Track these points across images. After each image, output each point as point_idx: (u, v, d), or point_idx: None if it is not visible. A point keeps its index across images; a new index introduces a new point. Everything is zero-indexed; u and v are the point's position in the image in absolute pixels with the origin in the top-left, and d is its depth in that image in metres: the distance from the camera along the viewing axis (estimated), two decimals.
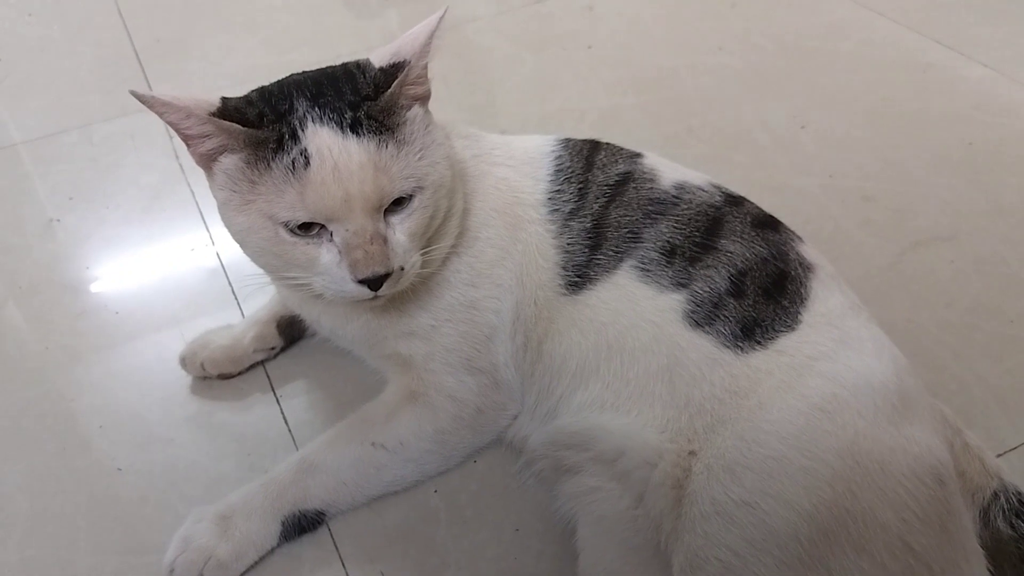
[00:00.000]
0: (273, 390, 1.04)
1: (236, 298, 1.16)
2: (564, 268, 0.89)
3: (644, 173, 0.93)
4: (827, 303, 0.83)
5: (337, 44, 1.72)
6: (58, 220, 1.32)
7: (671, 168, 0.95)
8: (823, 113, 1.44)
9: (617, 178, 0.93)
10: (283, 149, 0.75)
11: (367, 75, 0.80)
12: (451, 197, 0.85)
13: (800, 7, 1.74)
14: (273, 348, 1.07)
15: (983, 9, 1.67)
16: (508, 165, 0.96)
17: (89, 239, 1.29)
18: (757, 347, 0.80)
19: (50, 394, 1.06)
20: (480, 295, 0.90)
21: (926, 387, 0.83)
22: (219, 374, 1.04)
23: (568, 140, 0.99)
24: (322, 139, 0.75)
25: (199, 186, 1.33)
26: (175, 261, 1.24)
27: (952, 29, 1.60)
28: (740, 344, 0.80)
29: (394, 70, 0.79)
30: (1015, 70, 1.49)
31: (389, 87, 0.78)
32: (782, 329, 0.81)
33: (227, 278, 1.19)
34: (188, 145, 0.79)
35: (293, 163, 0.75)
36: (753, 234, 0.87)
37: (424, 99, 0.84)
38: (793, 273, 0.85)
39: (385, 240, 0.78)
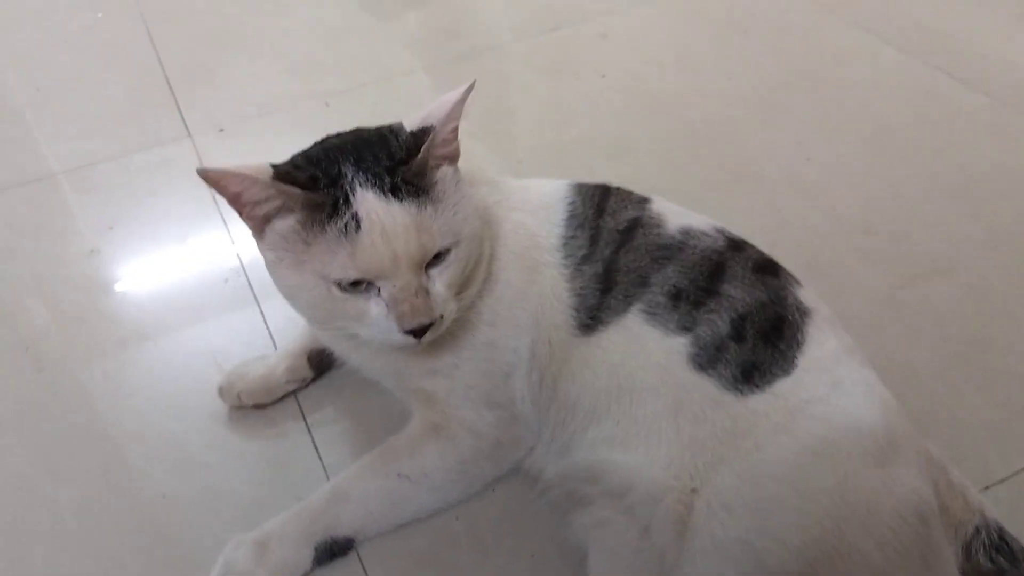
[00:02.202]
0: (304, 419, 1.11)
1: (268, 328, 1.23)
2: (577, 310, 0.95)
3: (652, 219, 0.99)
4: (822, 347, 0.89)
5: (362, 69, 1.79)
6: (98, 250, 1.39)
7: (677, 213, 1.01)
8: (828, 144, 1.49)
9: (626, 224, 0.99)
10: (337, 213, 0.82)
11: (399, 139, 0.87)
12: (481, 245, 0.92)
13: (808, 34, 1.79)
14: (304, 379, 1.14)
15: (985, 38, 1.72)
16: (526, 210, 1.02)
17: (128, 269, 1.36)
18: (755, 390, 0.86)
19: (95, 421, 1.13)
20: (499, 334, 0.97)
21: (918, 419, 0.90)
22: (254, 404, 1.11)
23: (581, 185, 1.05)
24: (369, 203, 0.82)
25: (232, 219, 1.41)
26: (210, 292, 1.30)
27: (955, 57, 1.65)
28: (740, 387, 0.86)
29: (422, 135, 0.86)
30: (1016, 100, 1.54)
31: (419, 151, 0.84)
32: (779, 373, 0.87)
33: (259, 309, 1.26)
34: (242, 212, 0.86)
35: (346, 226, 0.82)
36: (754, 279, 0.93)
37: (453, 158, 0.90)
38: (791, 318, 0.91)
39: (427, 292, 0.85)
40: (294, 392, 1.14)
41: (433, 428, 0.98)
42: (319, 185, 0.83)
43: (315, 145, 0.92)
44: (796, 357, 0.88)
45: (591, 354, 0.94)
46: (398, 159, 0.85)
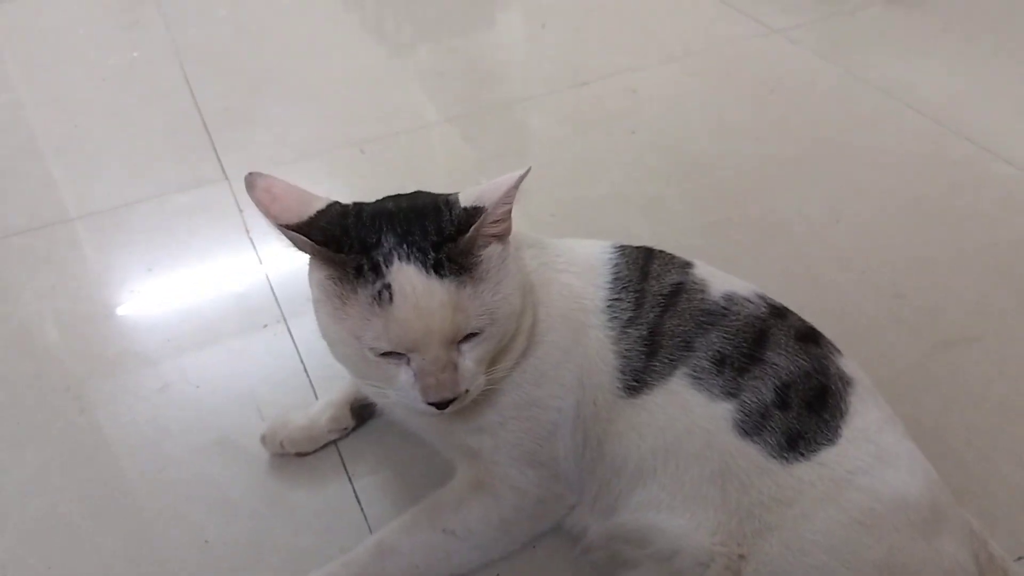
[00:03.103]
0: (346, 468, 1.13)
1: (308, 375, 1.25)
2: (622, 372, 0.97)
3: (695, 284, 1.01)
4: (865, 418, 0.91)
5: (396, 117, 1.83)
6: (137, 291, 1.42)
7: (720, 278, 1.04)
8: (857, 207, 1.52)
9: (671, 288, 1.01)
10: (364, 278, 0.83)
11: (452, 213, 0.87)
12: (520, 319, 0.93)
13: (834, 97, 1.83)
14: (346, 428, 1.16)
15: (1010, 107, 1.76)
16: (571, 272, 1.04)
17: (167, 312, 1.38)
18: (801, 458, 0.88)
19: (137, 464, 1.15)
20: (543, 394, 0.99)
21: (953, 489, 0.91)
22: (296, 452, 1.13)
23: (624, 247, 1.07)
24: (407, 277, 0.82)
25: (269, 263, 1.43)
26: (249, 337, 1.33)
27: (980, 126, 1.69)
28: (785, 455, 0.88)
29: (474, 214, 0.86)
30: None
31: (468, 230, 0.84)
32: (823, 442, 0.89)
33: (299, 354, 1.28)
34: None
35: (378, 294, 0.82)
36: (796, 347, 0.95)
37: (503, 236, 0.90)
38: (833, 387, 0.93)
39: (456, 367, 0.85)
40: (335, 441, 1.16)
41: (477, 484, 1.00)
42: (342, 247, 0.83)
43: (376, 202, 0.93)
44: (840, 427, 0.90)
45: (637, 416, 0.95)
46: (447, 235, 0.85)
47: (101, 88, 1.99)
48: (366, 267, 0.83)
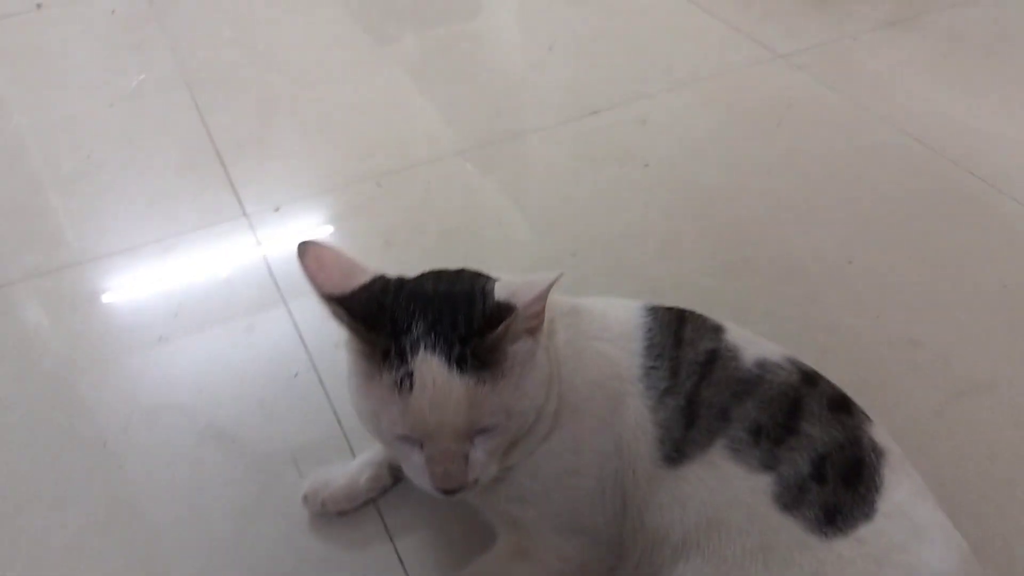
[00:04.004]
0: (386, 527, 1.15)
1: (342, 427, 1.27)
2: (662, 442, 1.00)
3: (728, 351, 1.04)
4: (899, 491, 0.95)
5: (412, 148, 1.84)
6: (166, 338, 1.43)
7: (750, 342, 1.06)
8: (867, 245, 1.56)
9: (705, 356, 1.04)
10: (390, 362, 0.85)
11: (485, 305, 0.88)
12: (544, 406, 0.94)
13: (841, 128, 1.86)
14: (386, 487, 1.18)
15: (1016, 139, 1.80)
16: (605, 339, 1.06)
17: (198, 360, 1.39)
18: (839, 534, 0.91)
19: (179, 522, 1.17)
20: (583, 462, 1.02)
21: (971, 544, 0.95)
22: (337, 511, 1.16)
23: (656, 310, 1.09)
24: (429, 367, 0.84)
25: (296, 308, 1.45)
26: (281, 386, 1.34)
27: (986, 160, 1.72)
28: (824, 530, 0.91)
29: (505, 311, 0.86)
30: None
31: (497, 326, 0.85)
32: (860, 517, 0.92)
33: (331, 404, 1.30)
34: None
35: (400, 381, 0.84)
36: (830, 418, 0.99)
37: (535, 331, 0.91)
38: (868, 460, 0.96)
39: (466, 458, 0.88)
40: (374, 499, 1.18)
41: (521, 552, 1.03)
42: (375, 327, 0.85)
43: (418, 278, 0.95)
44: (876, 501, 0.93)
45: (678, 488, 0.98)
46: (476, 328, 0.86)
47: (109, 114, 1.98)
48: (393, 352, 0.85)
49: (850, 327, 1.41)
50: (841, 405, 1.02)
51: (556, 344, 1.00)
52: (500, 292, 0.90)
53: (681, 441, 0.99)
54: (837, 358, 1.34)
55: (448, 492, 0.89)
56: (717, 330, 1.08)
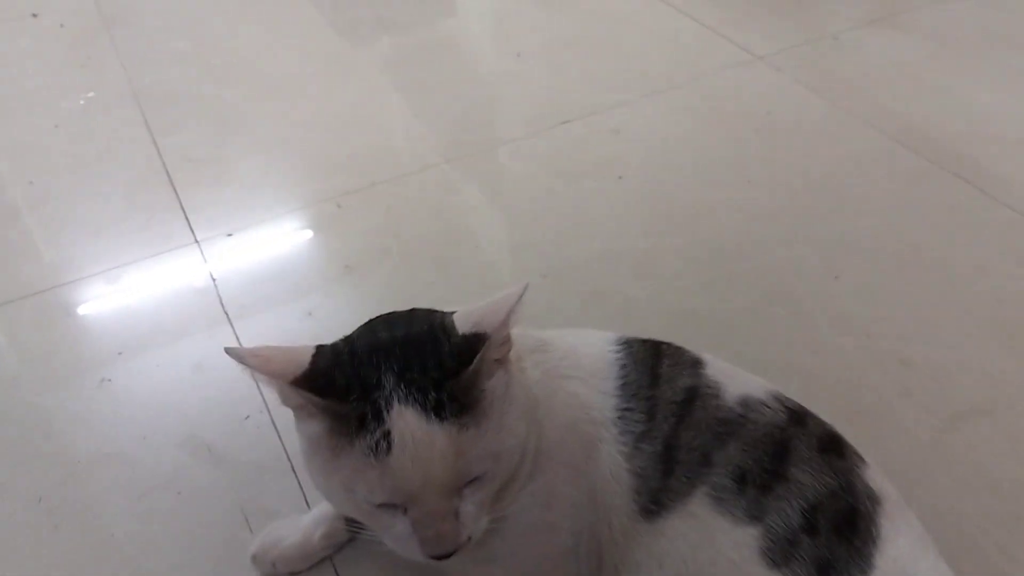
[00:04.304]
0: None
1: (297, 477, 1.18)
2: (638, 493, 0.91)
3: (709, 388, 0.96)
4: (897, 543, 0.86)
5: (373, 166, 1.75)
6: (109, 380, 1.33)
7: (732, 377, 0.98)
8: (854, 260, 1.48)
9: (684, 395, 0.95)
10: (366, 428, 0.76)
11: (451, 342, 0.81)
12: (526, 443, 0.87)
13: (822, 133, 1.78)
14: (341, 542, 1.09)
15: (1004, 139, 1.72)
16: (577, 378, 0.98)
17: (143, 404, 1.30)
18: None
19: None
20: (555, 516, 0.93)
21: None
22: (289, 572, 1.07)
23: (629, 344, 1.01)
24: (406, 422, 0.75)
25: (248, 341, 1.36)
26: (232, 431, 1.25)
27: (977, 165, 1.65)
28: None
29: (476, 342, 0.79)
30: None
31: (471, 362, 0.78)
32: (856, 574, 0.84)
33: (287, 454, 1.21)
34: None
35: (376, 445, 0.75)
36: (821, 462, 0.90)
37: (504, 359, 0.84)
38: (862, 509, 0.88)
39: (457, 515, 0.79)
40: (330, 555, 1.09)
41: None
42: (350, 396, 0.77)
43: (362, 331, 0.87)
44: (872, 555, 0.85)
45: (656, 544, 0.90)
46: (447, 369, 0.78)
47: (54, 136, 1.88)
48: (369, 415, 0.76)
49: (838, 347, 1.33)
50: (832, 446, 0.94)
51: (526, 383, 0.92)
52: (462, 324, 0.82)
53: (659, 491, 0.91)
54: (825, 382, 1.26)
55: (441, 557, 0.80)
56: (696, 364, 0.99)
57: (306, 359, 0.80)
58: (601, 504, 0.93)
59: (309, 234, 1.62)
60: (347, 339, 0.85)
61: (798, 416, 0.96)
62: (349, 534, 1.09)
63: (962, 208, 1.57)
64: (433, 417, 0.76)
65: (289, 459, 1.20)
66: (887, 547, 0.86)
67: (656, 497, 0.91)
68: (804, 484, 0.88)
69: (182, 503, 1.16)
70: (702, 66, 2.01)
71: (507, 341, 0.84)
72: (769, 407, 0.95)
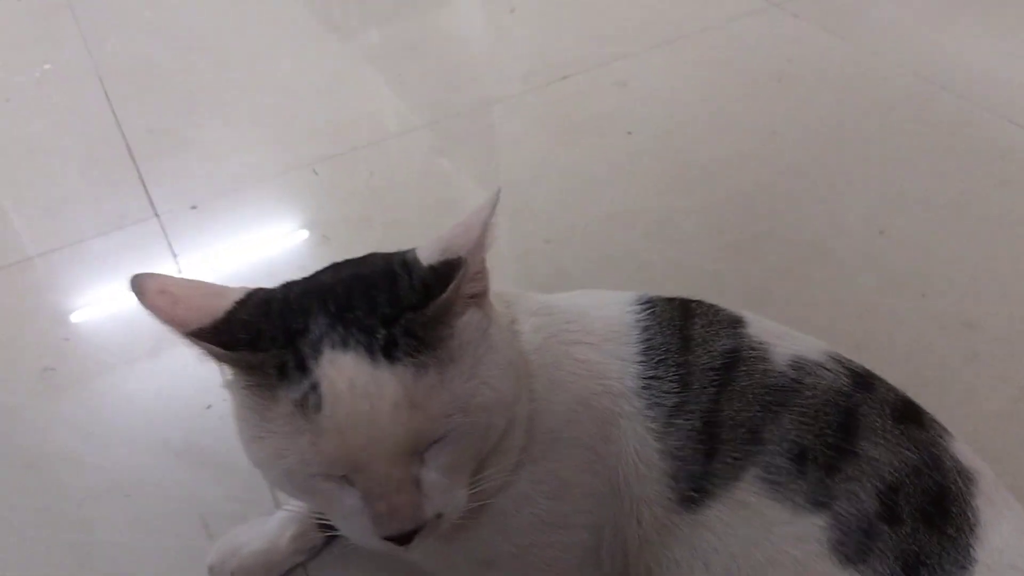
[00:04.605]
0: None
1: None
2: (674, 478, 0.74)
3: (752, 350, 0.79)
4: (1000, 530, 0.70)
5: (353, 130, 1.58)
6: (52, 368, 1.17)
7: (780, 337, 0.81)
8: (900, 213, 1.31)
9: (723, 360, 0.78)
10: (288, 379, 0.59)
11: (414, 276, 0.64)
12: (512, 407, 0.69)
13: (853, 80, 1.61)
14: (315, 547, 0.92)
15: None
16: (588, 343, 0.80)
17: (90, 393, 1.14)
18: None
19: None
20: (567, 510, 0.76)
21: None
22: None
23: (653, 302, 0.83)
24: (341, 371, 0.59)
25: None
26: (191, 422, 1.08)
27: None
28: None
29: (448, 269, 0.63)
30: None
31: (443, 291, 0.61)
32: (953, 570, 0.67)
33: None
34: None
35: (303, 400, 0.59)
36: (897, 433, 0.73)
37: (482, 296, 0.68)
38: (954, 489, 0.71)
39: (418, 483, 0.62)
40: (303, 563, 0.92)
41: None
42: (260, 344, 0.61)
43: (312, 275, 0.70)
44: (971, 546, 0.68)
45: (699, 538, 0.73)
46: (407, 303, 0.62)
47: (5, 110, 1.71)
48: (290, 364, 0.60)
49: (889, 310, 1.16)
50: (909, 415, 0.77)
51: (520, 347, 0.75)
52: (427, 255, 0.65)
53: (700, 475, 0.74)
54: (877, 349, 1.09)
55: (400, 539, 0.62)
56: (736, 323, 0.82)
57: (228, 303, 0.64)
58: (627, 493, 0.76)
59: (281, 203, 1.45)
60: (288, 283, 0.69)
61: (864, 380, 0.78)
62: (324, 536, 0.92)
63: (1015, 152, 1.39)
64: (382, 359, 0.59)
65: None
66: (988, 535, 0.69)
67: (697, 483, 0.74)
68: (879, 461, 0.71)
69: (131, 507, 1.00)
70: (713, 14, 1.83)
71: (483, 272, 0.68)
72: (828, 369, 0.78)
